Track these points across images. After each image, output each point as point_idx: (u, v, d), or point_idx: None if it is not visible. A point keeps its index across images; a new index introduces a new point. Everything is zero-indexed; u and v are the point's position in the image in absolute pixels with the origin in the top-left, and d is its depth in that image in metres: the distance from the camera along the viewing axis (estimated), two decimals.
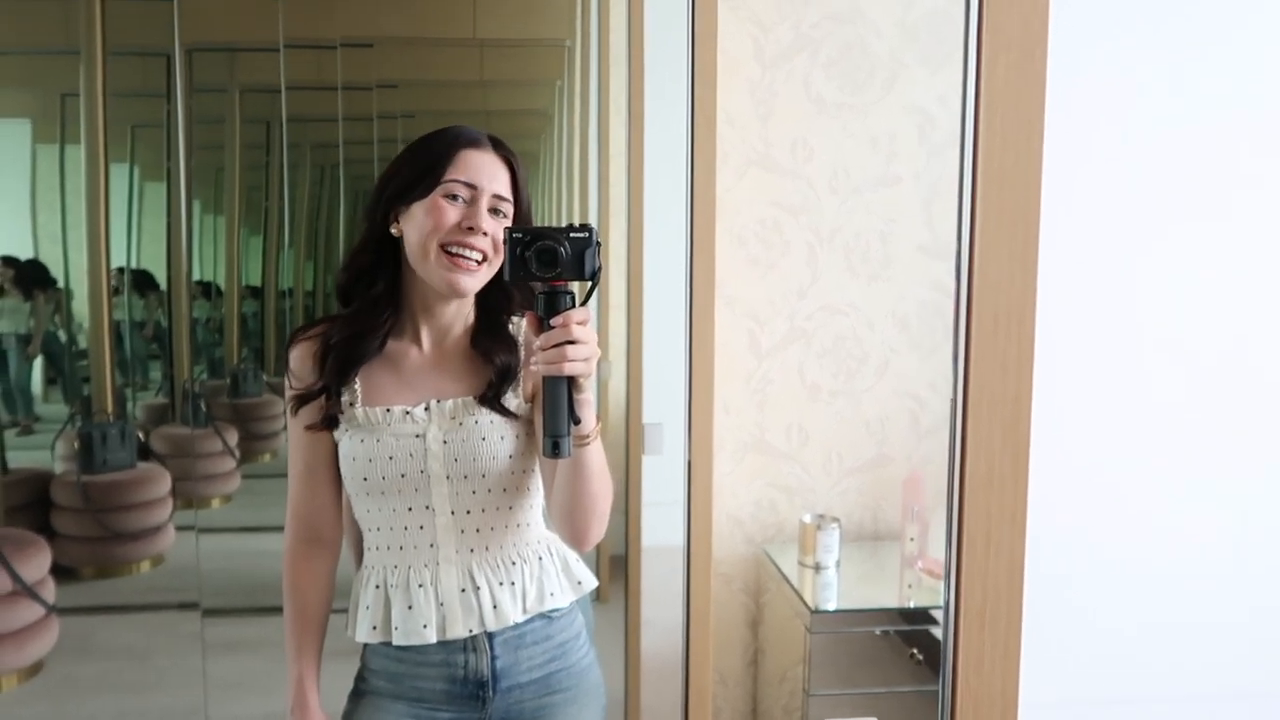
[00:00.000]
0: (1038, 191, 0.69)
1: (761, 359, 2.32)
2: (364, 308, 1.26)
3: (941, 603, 0.79)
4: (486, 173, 1.21)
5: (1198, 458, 0.78)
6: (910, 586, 2.18)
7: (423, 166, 1.21)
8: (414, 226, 1.21)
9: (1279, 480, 0.79)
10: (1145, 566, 0.79)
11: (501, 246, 1.22)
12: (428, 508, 1.24)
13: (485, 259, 1.21)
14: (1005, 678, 0.74)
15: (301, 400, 1.25)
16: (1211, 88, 0.76)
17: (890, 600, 2.14)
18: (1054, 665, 0.76)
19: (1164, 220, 0.77)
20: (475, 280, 1.22)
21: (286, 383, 1.29)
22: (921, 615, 2.09)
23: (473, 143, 1.22)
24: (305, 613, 1.32)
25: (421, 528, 1.24)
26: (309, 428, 1.26)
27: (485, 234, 1.20)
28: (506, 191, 1.23)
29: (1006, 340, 0.71)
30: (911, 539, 2.19)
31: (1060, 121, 0.72)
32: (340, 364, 1.24)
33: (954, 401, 0.71)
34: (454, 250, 1.20)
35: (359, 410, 1.24)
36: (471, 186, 1.20)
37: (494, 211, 1.22)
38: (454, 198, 1.20)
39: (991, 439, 0.72)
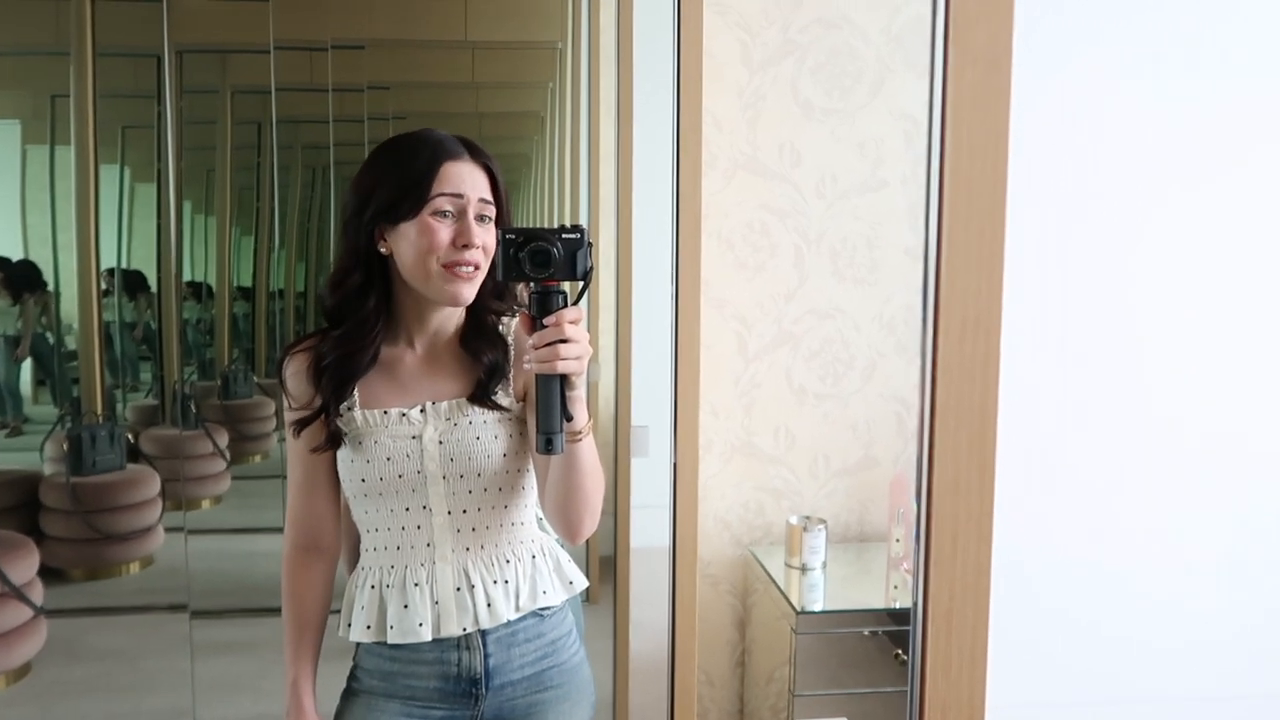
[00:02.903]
0: (1003, 201, 0.71)
1: (749, 362, 2.33)
2: (355, 327, 1.26)
3: (912, 605, 0.80)
4: (469, 182, 1.22)
5: (1165, 460, 0.79)
6: (896, 588, 2.19)
7: (406, 184, 1.21)
8: (408, 246, 1.21)
9: (1246, 480, 0.80)
10: (1113, 568, 0.80)
11: (491, 250, 1.23)
12: (425, 508, 1.25)
13: (479, 266, 1.23)
14: (973, 681, 0.75)
15: (302, 424, 1.26)
16: (1180, 95, 0.77)
17: (876, 601, 2.15)
18: (1021, 668, 0.78)
19: (1132, 228, 0.78)
20: (473, 288, 1.24)
21: (284, 402, 1.29)
22: (907, 616, 2.10)
23: (453, 155, 1.23)
24: (303, 618, 1.33)
25: (419, 528, 1.26)
26: (314, 450, 1.27)
27: (477, 247, 1.22)
28: (489, 195, 1.24)
29: (974, 347, 0.72)
30: (897, 540, 2.20)
31: (1027, 131, 0.73)
32: (336, 382, 1.25)
33: (921, 408, 0.73)
34: (452, 266, 1.21)
35: (357, 414, 1.26)
36: (458, 197, 1.21)
37: (480, 218, 1.23)
38: (443, 214, 1.21)
39: (958, 445, 0.73)
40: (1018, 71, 0.71)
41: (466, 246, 1.20)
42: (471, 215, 1.22)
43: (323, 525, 1.33)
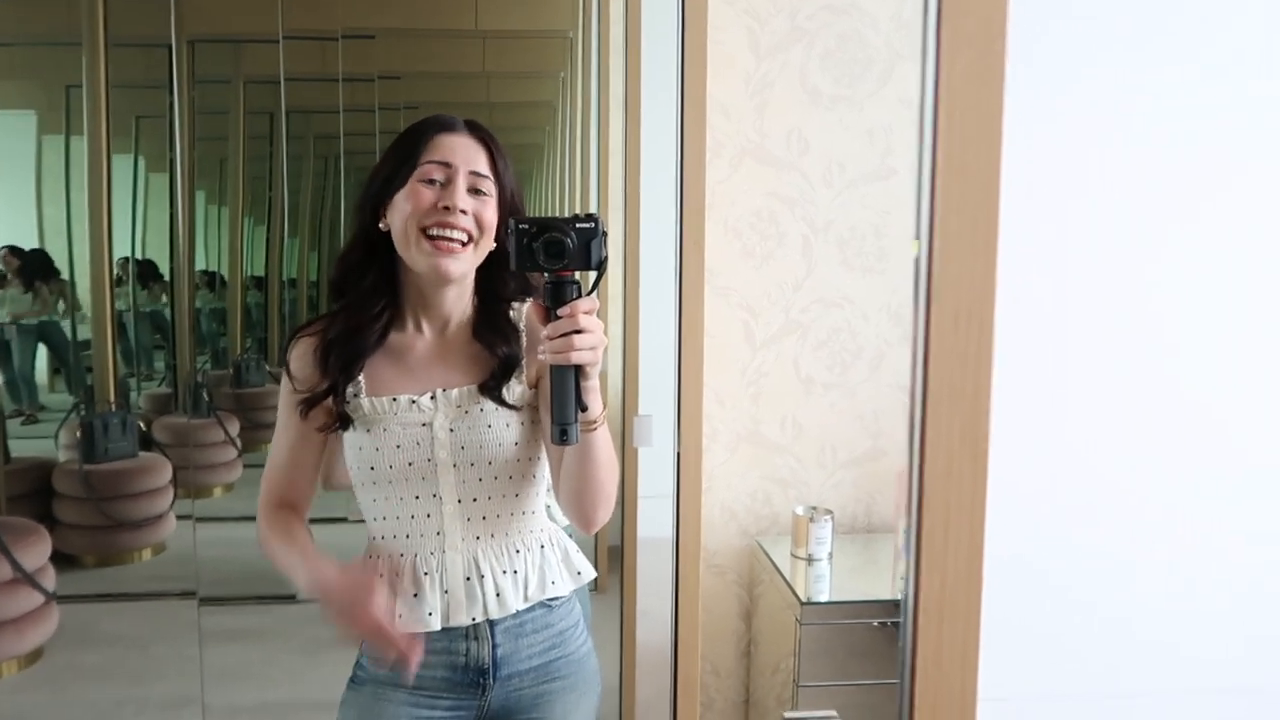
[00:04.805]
0: (997, 187, 0.69)
1: (756, 351, 2.32)
2: (357, 301, 1.26)
3: (903, 596, 0.79)
4: (461, 153, 1.22)
5: (1164, 449, 0.78)
6: (903, 579, 2.18)
7: (400, 157, 1.22)
8: (397, 215, 1.21)
9: (1248, 468, 0.79)
10: (1110, 558, 0.79)
11: (487, 226, 1.22)
12: (435, 496, 1.24)
13: (470, 240, 1.21)
14: (964, 672, 0.74)
15: (309, 403, 1.24)
16: (1184, 87, 0.76)
17: (883, 592, 2.14)
18: (1015, 659, 0.77)
19: (1128, 216, 0.77)
20: (459, 263, 1.21)
21: (287, 383, 1.27)
22: None
23: (446, 127, 1.23)
24: (294, 536, 1.25)
25: (429, 516, 1.24)
26: (320, 429, 1.26)
27: (465, 212, 1.20)
28: (485, 169, 1.23)
29: (966, 337, 0.71)
30: (905, 532, 2.19)
31: (1022, 119, 0.72)
32: (344, 360, 1.24)
33: (913, 395, 0.72)
34: (434, 233, 1.19)
35: (364, 401, 1.24)
36: (446, 165, 1.20)
37: (474, 191, 1.22)
38: (431, 181, 1.20)
39: (951, 433, 0.72)
40: (1014, 61, 0.70)
41: (448, 209, 1.19)
42: (461, 184, 1.20)
43: (300, 494, 1.30)
